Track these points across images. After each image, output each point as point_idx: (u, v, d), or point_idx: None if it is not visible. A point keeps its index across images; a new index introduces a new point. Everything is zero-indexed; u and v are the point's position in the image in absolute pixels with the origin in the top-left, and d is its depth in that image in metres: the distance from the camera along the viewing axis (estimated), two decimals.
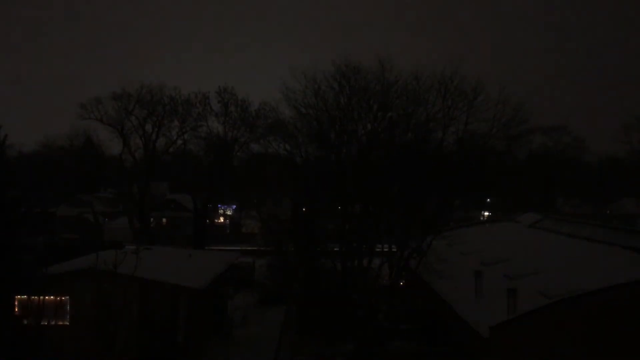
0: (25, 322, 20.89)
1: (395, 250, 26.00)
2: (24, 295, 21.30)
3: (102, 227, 70.47)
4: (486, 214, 70.46)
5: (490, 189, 68.53)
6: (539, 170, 74.79)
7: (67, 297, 22.47)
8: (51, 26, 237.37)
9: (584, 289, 18.19)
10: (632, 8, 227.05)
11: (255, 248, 41.95)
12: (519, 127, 30.14)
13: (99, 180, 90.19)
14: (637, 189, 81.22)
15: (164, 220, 72.90)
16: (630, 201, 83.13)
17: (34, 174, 70.37)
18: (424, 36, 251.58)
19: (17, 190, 24.49)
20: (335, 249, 26.93)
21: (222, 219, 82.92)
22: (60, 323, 21.93)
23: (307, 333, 25.24)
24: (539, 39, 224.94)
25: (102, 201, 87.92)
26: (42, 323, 20.26)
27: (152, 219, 65.13)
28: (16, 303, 21.84)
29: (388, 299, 26.13)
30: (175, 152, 60.00)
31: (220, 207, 75.42)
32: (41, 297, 20.48)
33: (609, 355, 17.45)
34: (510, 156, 69.05)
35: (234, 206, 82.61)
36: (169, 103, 55.34)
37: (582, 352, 17.52)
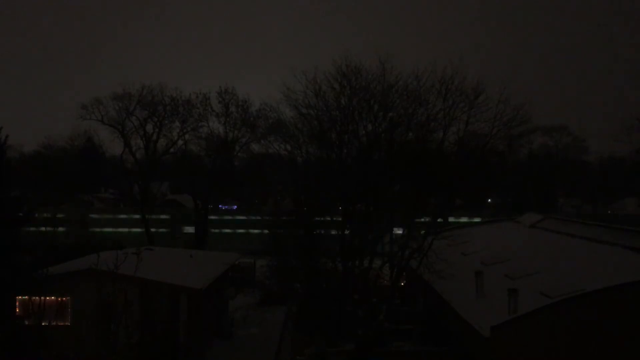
0: (26, 322, 20.91)
1: (396, 250, 26.02)
2: (25, 295, 21.33)
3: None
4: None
5: (491, 188, 68.73)
6: (540, 170, 74.82)
7: (69, 297, 22.52)
8: (52, 26, 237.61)
9: (585, 289, 18.19)
10: (633, 8, 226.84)
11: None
12: (520, 127, 30.11)
13: (100, 181, 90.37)
14: (638, 189, 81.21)
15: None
16: (631, 201, 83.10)
17: (35, 174, 70.55)
18: (424, 36, 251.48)
19: (18, 191, 24.56)
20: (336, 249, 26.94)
21: None
22: (62, 323, 21.96)
23: (307, 333, 25.23)
24: (540, 38, 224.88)
25: (103, 201, 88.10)
26: (43, 323, 20.26)
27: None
28: (17, 303, 21.88)
29: (389, 299, 26.13)
30: (176, 152, 60.11)
31: (221, 207, 75.48)
32: (42, 298, 20.48)
33: (609, 356, 17.45)
34: (511, 156, 69.24)
35: (235, 206, 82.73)
36: (170, 103, 55.51)
37: (583, 352, 17.52)
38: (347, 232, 26.28)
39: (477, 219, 51.13)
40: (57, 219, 62.72)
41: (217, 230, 64.59)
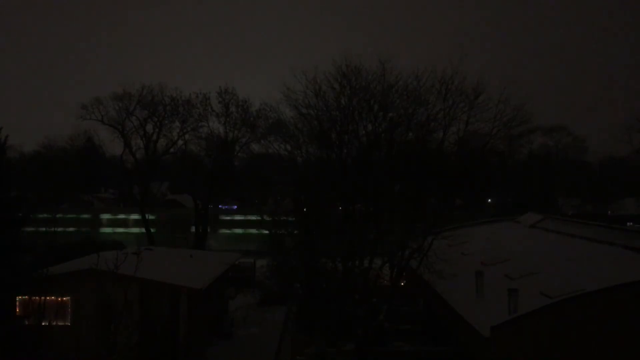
0: (26, 322, 20.92)
1: (396, 250, 26.01)
2: (25, 295, 21.33)
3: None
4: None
5: (491, 189, 68.68)
6: (540, 170, 74.71)
7: (69, 297, 22.50)
8: (52, 26, 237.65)
9: (585, 289, 18.19)
10: (633, 8, 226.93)
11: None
12: (520, 127, 30.25)
13: (100, 181, 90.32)
14: (638, 189, 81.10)
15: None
16: (631, 201, 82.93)
17: (35, 174, 70.51)
18: (424, 36, 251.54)
19: (19, 191, 24.59)
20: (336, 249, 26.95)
21: None
22: (62, 323, 21.95)
23: (307, 333, 25.25)
24: (540, 38, 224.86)
25: (103, 201, 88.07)
26: (43, 323, 20.28)
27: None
28: (17, 303, 21.88)
29: (389, 299, 26.14)
30: (176, 152, 60.10)
31: (221, 207, 75.48)
32: (42, 298, 20.50)
33: (609, 356, 17.45)
34: (511, 156, 69.23)
35: (235, 206, 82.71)
36: (170, 103, 55.41)
37: (583, 352, 17.52)
38: (347, 232, 26.28)
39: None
40: (57, 219, 62.76)
41: (217, 230, 64.64)
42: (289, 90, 27.17)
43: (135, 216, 65.18)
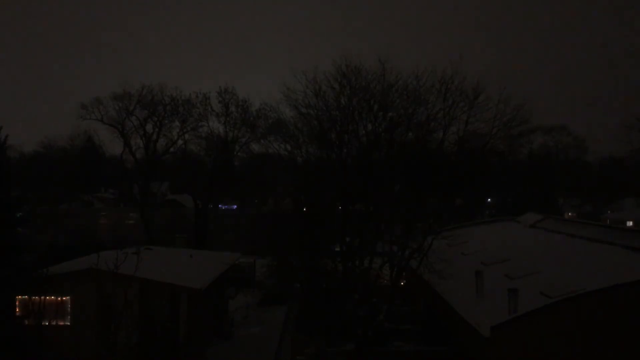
0: (26, 322, 20.92)
1: (396, 250, 26.02)
2: (25, 295, 21.33)
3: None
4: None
5: (491, 188, 68.70)
6: (540, 170, 74.68)
7: (68, 297, 22.49)
8: (51, 26, 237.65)
9: (584, 288, 18.19)
10: (633, 8, 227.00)
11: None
12: (520, 127, 30.31)
13: (100, 181, 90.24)
14: (638, 189, 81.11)
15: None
16: (631, 201, 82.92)
17: (35, 174, 70.44)
18: (424, 36, 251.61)
19: (18, 191, 24.61)
20: (336, 249, 26.97)
21: None
22: (61, 323, 21.95)
23: (307, 333, 25.24)
24: (540, 38, 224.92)
25: (103, 201, 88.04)
26: (43, 323, 20.29)
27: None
28: (17, 303, 21.88)
29: (388, 299, 26.14)
30: (176, 152, 60.13)
31: (221, 207, 75.48)
32: (42, 298, 20.50)
33: (609, 356, 17.45)
34: (511, 156, 69.18)
35: (235, 206, 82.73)
36: (170, 103, 55.48)
37: (582, 352, 17.52)
38: (347, 232, 26.28)
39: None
40: (57, 218, 62.75)
41: (217, 230, 64.62)
42: (289, 90, 27.17)
43: None
